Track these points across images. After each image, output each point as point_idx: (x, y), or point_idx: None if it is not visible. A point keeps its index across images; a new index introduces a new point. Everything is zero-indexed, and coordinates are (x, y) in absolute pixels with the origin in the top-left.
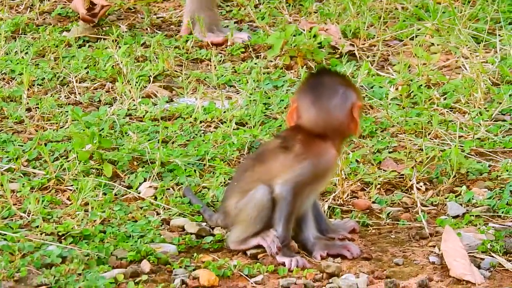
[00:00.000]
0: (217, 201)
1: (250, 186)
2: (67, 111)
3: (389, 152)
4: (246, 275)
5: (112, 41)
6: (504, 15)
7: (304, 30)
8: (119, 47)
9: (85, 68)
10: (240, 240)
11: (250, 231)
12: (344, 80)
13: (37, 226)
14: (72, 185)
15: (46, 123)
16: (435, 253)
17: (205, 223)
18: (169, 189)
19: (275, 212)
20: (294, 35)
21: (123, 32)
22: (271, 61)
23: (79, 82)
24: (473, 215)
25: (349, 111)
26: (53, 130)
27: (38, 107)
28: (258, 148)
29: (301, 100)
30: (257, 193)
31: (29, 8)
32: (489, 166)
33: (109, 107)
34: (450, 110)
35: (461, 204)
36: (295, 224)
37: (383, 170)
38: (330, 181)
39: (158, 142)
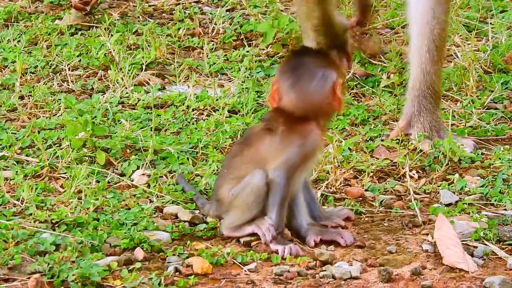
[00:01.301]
0: (210, 188)
1: (242, 172)
2: (60, 99)
3: (382, 140)
4: (240, 263)
5: (104, 29)
6: (496, 3)
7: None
8: (111, 35)
9: (78, 56)
10: (234, 226)
11: (245, 217)
12: (324, 60)
13: (31, 214)
14: (65, 173)
15: (39, 111)
16: (428, 241)
17: (198, 211)
18: (162, 176)
19: (269, 198)
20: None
21: (115, 20)
22: (263, 49)
23: (72, 70)
24: (466, 203)
25: (330, 91)
26: (46, 118)
27: (31, 95)
28: (245, 132)
29: (282, 82)
30: (253, 178)
31: None
32: (482, 154)
33: (101, 95)
34: (443, 98)
35: (454, 192)
36: (288, 211)
37: (376, 158)
38: (323, 169)
39: (151, 130)
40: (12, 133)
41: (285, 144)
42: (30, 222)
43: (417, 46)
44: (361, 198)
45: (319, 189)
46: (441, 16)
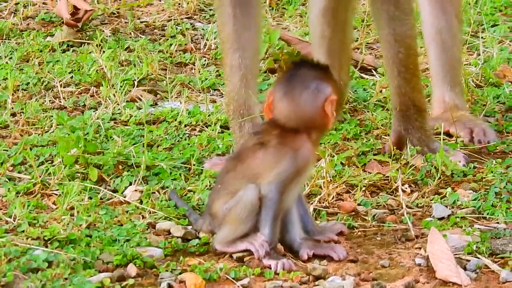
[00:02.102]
0: (203, 204)
1: (236, 187)
2: (52, 116)
3: (374, 155)
4: (233, 278)
5: (96, 45)
6: (487, 17)
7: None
8: (103, 51)
9: (70, 73)
10: (227, 241)
11: (238, 232)
12: (321, 73)
13: (23, 231)
14: (57, 190)
15: (31, 128)
16: (421, 255)
17: (190, 227)
18: (154, 192)
19: (261, 213)
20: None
21: (107, 36)
22: None
23: (64, 87)
24: (458, 217)
25: (322, 106)
26: (38, 134)
27: (23, 112)
28: (238, 147)
29: (276, 91)
30: (247, 193)
31: (12, 14)
32: (474, 167)
33: (93, 111)
34: None
35: (446, 206)
36: (281, 225)
37: (368, 172)
38: (315, 184)
39: (143, 146)
40: (4, 150)
41: (277, 158)
42: (23, 239)
43: (389, 69)
44: (353, 213)
45: (312, 203)
46: (404, 39)
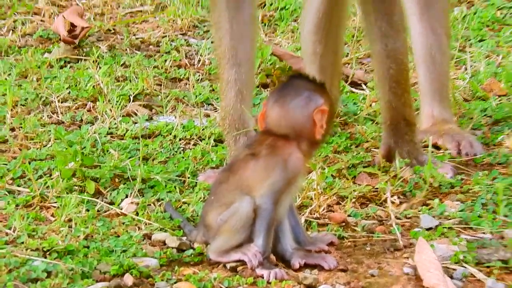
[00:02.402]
0: (197, 216)
1: (229, 199)
2: (50, 130)
3: (364, 167)
4: (227, 287)
5: (93, 61)
6: (474, 32)
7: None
8: (100, 67)
9: (67, 88)
10: (221, 251)
11: (232, 242)
12: (315, 85)
13: (22, 242)
14: (56, 202)
15: (30, 142)
16: (409, 264)
17: (185, 237)
18: (150, 204)
19: (255, 224)
20: (270, 54)
21: (103, 52)
22: None
23: (61, 102)
24: (445, 227)
25: (311, 114)
26: (37, 149)
27: (21, 127)
28: (230, 159)
29: (268, 101)
30: (242, 205)
31: (11, 31)
32: (461, 179)
33: (90, 126)
34: None
35: (434, 217)
36: (274, 235)
37: (358, 184)
38: (306, 195)
39: (139, 159)
40: (3, 164)
41: (268, 168)
42: (22, 250)
43: (380, 84)
44: (344, 223)
45: (303, 215)
46: (396, 55)
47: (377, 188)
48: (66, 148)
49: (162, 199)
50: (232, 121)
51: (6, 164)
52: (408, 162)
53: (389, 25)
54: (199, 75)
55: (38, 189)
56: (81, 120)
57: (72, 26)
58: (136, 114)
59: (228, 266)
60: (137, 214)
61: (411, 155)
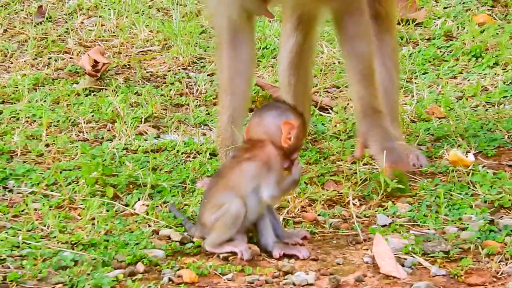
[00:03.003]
0: (196, 215)
1: (219, 200)
2: (77, 146)
3: (331, 176)
4: (220, 274)
5: (112, 90)
6: (419, 67)
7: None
8: (117, 95)
9: (91, 112)
10: (215, 244)
11: (224, 237)
12: (289, 107)
13: (55, 237)
14: (81, 204)
15: (61, 156)
16: (368, 255)
17: (186, 233)
18: (158, 206)
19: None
20: (254, 84)
21: (120, 83)
22: None
23: (86, 123)
24: (397, 225)
25: (280, 125)
26: (67, 161)
27: (54, 143)
28: (219, 167)
29: (251, 117)
30: (232, 206)
31: (46, 66)
32: (410, 185)
33: (110, 142)
34: None
35: (387, 216)
36: (257, 230)
37: (326, 189)
38: (284, 199)
39: (149, 170)
40: (39, 173)
41: (250, 170)
42: (54, 243)
43: (351, 80)
44: (314, 221)
45: (281, 214)
46: (363, 55)
47: (341, 193)
48: (90, 161)
49: (168, 202)
50: (224, 139)
51: (42, 173)
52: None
53: (358, 32)
54: (197, 102)
55: (67, 194)
56: (102, 138)
57: (95, 62)
58: (146, 133)
59: (221, 256)
60: (147, 213)
61: (382, 139)
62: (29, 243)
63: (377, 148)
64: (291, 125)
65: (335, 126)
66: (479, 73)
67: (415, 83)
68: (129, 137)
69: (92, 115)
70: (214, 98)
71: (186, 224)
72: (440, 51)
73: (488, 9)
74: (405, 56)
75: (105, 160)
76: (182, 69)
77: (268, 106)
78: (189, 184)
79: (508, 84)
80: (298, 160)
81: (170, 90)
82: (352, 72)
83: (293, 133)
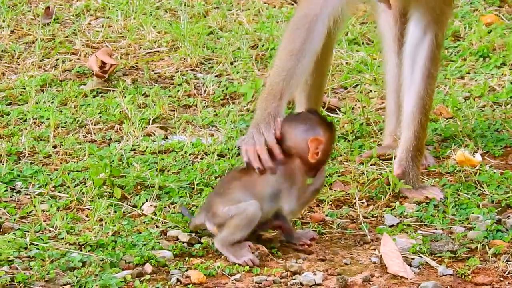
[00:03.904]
0: None
1: (238, 196)
2: (85, 147)
3: (338, 176)
4: (227, 274)
5: (119, 92)
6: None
7: None
8: (125, 96)
9: (99, 113)
10: (226, 243)
11: (235, 237)
12: (320, 120)
13: (63, 238)
14: (89, 205)
15: (69, 157)
16: (375, 255)
17: (194, 233)
18: (165, 207)
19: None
20: (262, 85)
21: (128, 85)
22: (245, 106)
23: (94, 125)
24: (405, 225)
25: (307, 141)
26: (74, 162)
27: (62, 145)
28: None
29: (283, 122)
30: (249, 208)
31: (54, 67)
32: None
33: (117, 143)
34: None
35: (395, 216)
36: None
37: (334, 190)
38: None
39: (157, 171)
40: (47, 174)
41: (273, 177)
42: (62, 245)
43: (411, 117)
44: (322, 222)
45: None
46: (431, 93)
47: (349, 193)
48: (98, 162)
49: (175, 203)
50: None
51: (49, 175)
52: (410, 187)
53: (434, 68)
54: (205, 103)
55: (75, 195)
56: (110, 139)
57: (103, 63)
58: (154, 134)
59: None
60: (155, 214)
61: (414, 179)
62: (37, 244)
63: (410, 191)
64: (319, 141)
65: (343, 126)
66: (487, 73)
67: None
68: (136, 138)
69: (100, 116)
70: (222, 99)
71: (185, 212)
72: (448, 51)
73: (495, 10)
74: None
75: (113, 161)
76: (190, 70)
77: (298, 118)
78: (197, 185)
79: None
80: (323, 169)
81: (178, 91)
82: (417, 109)
83: (321, 148)
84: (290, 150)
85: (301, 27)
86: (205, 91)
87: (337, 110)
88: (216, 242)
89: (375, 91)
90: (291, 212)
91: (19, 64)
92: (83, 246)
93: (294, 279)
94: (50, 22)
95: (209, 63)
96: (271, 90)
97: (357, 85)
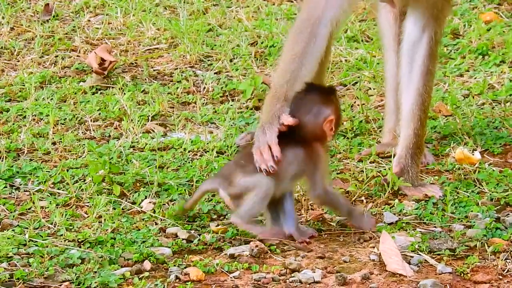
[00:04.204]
0: (203, 212)
1: (256, 169)
2: (84, 144)
3: (337, 174)
4: (226, 271)
5: (119, 89)
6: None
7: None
8: (124, 93)
9: (98, 110)
10: (245, 218)
11: (254, 211)
12: (322, 96)
13: (62, 235)
14: (88, 202)
15: (68, 154)
16: (374, 252)
17: (193, 231)
18: (164, 204)
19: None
20: (261, 83)
21: (127, 81)
22: (244, 103)
23: (93, 121)
24: (404, 222)
25: (321, 126)
26: (73, 159)
27: (61, 141)
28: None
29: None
30: (263, 180)
31: (53, 64)
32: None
33: (117, 140)
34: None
35: (394, 214)
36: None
37: (333, 187)
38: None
39: (156, 168)
40: (46, 171)
41: (293, 156)
42: (61, 241)
43: (410, 115)
44: (321, 219)
45: None
46: (430, 90)
47: (348, 191)
48: (97, 159)
49: (175, 200)
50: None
51: (48, 171)
52: (409, 185)
53: (429, 70)
54: (204, 100)
55: (74, 192)
56: (109, 136)
57: (102, 60)
58: (153, 131)
59: (228, 253)
60: (154, 211)
61: (413, 177)
62: (36, 241)
63: (409, 188)
64: (331, 121)
65: (342, 124)
66: (486, 71)
67: None
68: (136, 135)
69: (99, 113)
70: (221, 96)
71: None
72: (447, 49)
73: (494, 7)
74: None
75: (112, 158)
76: (189, 67)
77: (304, 105)
78: (196, 182)
79: None
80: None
81: (177, 88)
82: (417, 107)
83: (334, 123)
84: (307, 136)
85: (304, 31)
86: (204, 88)
87: None
88: (234, 217)
89: (374, 89)
90: (318, 197)
91: (18, 61)
92: (82, 243)
93: (293, 276)
94: (49, 19)
95: (209, 60)
96: (275, 93)
97: (356, 82)
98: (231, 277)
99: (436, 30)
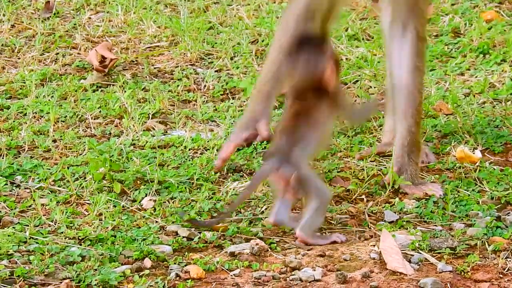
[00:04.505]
0: (203, 211)
1: (311, 136)
2: (85, 142)
3: (338, 172)
4: (227, 269)
5: (119, 86)
6: (426, 63)
7: None
8: (125, 91)
9: (98, 108)
10: (311, 231)
11: (318, 222)
12: (317, 49)
13: (62, 232)
14: (89, 200)
15: (68, 151)
16: (375, 251)
17: (194, 229)
18: (165, 202)
19: None
20: None
21: (128, 79)
22: (244, 101)
23: (94, 119)
24: (404, 221)
25: (323, 73)
26: (74, 156)
27: (62, 139)
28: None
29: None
30: (327, 190)
31: (54, 61)
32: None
33: (117, 138)
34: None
35: (395, 212)
36: None
37: (333, 186)
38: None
39: (156, 165)
40: (47, 168)
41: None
42: (62, 239)
43: (403, 113)
44: None
45: (292, 210)
46: (420, 86)
47: (349, 189)
48: (98, 156)
49: (175, 198)
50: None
51: (49, 169)
52: (410, 183)
53: (417, 67)
54: (204, 98)
55: (75, 189)
56: (110, 133)
57: (103, 58)
58: (154, 129)
59: (228, 251)
60: (154, 209)
61: (413, 176)
62: (36, 239)
63: (410, 187)
64: (331, 73)
65: (343, 122)
66: (487, 70)
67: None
68: (136, 133)
69: (100, 111)
70: (221, 94)
71: (182, 215)
72: (448, 48)
73: (495, 6)
74: None
75: (113, 155)
76: (190, 65)
77: (300, 64)
78: (196, 180)
79: None
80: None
81: (178, 86)
82: (408, 104)
83: (334, 74)
84: (312, 91)
85: (289, 24)
86: (205, 86)
87: None
88: (301, 231)
89: (375, 87)
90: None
91: (19, 58)
92: (82, 241)
93: (293, 274)
94: (50, 16)
95: (209, 58)
96: (259, 91)
97: (357, 81)
98: (231, 275)
99: (416, 26)
